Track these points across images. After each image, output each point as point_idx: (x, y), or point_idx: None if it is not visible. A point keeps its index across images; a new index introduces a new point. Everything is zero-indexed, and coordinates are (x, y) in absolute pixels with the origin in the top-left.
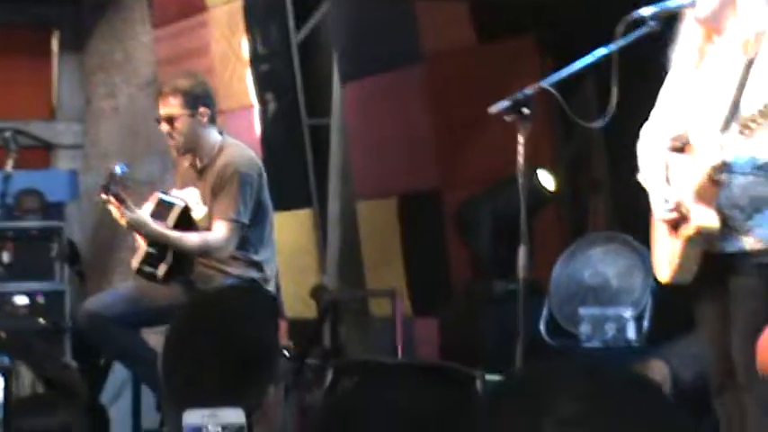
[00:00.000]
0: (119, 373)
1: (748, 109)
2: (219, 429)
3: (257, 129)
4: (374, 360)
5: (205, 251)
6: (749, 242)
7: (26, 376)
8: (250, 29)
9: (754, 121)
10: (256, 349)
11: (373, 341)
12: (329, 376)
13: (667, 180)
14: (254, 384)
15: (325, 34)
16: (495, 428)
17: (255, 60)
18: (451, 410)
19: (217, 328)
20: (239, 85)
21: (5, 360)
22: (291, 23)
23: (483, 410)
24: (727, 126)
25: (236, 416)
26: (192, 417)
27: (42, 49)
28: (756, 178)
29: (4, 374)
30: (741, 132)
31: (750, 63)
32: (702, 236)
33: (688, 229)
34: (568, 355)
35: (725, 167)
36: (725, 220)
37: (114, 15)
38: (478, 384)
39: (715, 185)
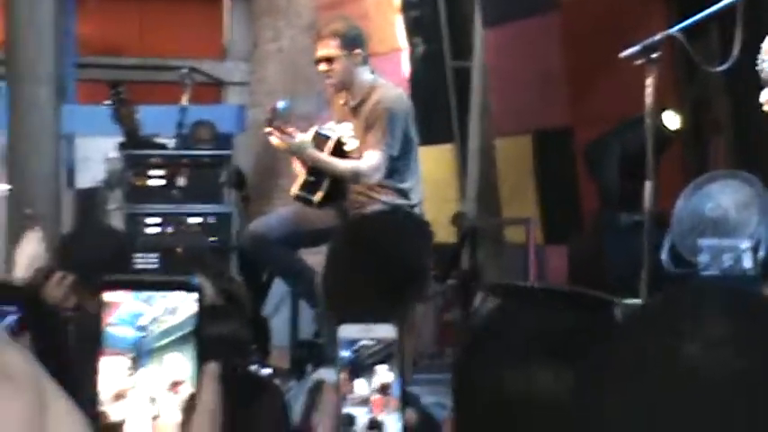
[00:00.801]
0: (278, 288)
1: None
2: (373, 342)
3: (406, 70)
4: (522, 284)
5: (357, 176)
6: None
7: (207, 288)
8: None
9: None
10: (409, 270)
11: (508, 265)
12: (477, 298)
13: None
14: (406, 302)
15: None
16: (637, 352)
17: (406, 7)
18: (595, 334)
19: (373, 249)
20: (390, 30)
21: (195, 279)
22: None
23: (627, 332)
24: None
25: (387, 330)
26: (346, 331)
27: None
28: None
29: (198, 290)
30: None
31: None
32: None
33: None
34: (693, 282)
35: None
36: None
37: None
38: (617, 310)
39: None
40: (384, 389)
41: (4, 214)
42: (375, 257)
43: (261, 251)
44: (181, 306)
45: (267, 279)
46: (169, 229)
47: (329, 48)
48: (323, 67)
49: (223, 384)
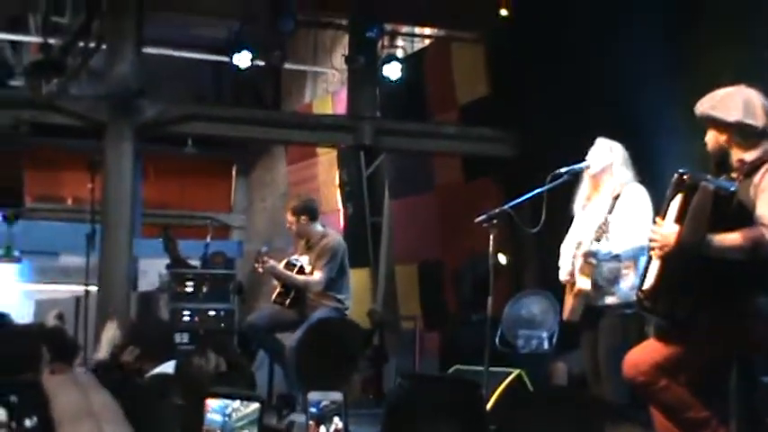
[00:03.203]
0: (261, 355)
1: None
2: (329, 402)
3: (341, 223)
4: (423, 373)
5: (308, 287)
6: (611, 299)
7: (212, 360)
8: (340, 167)
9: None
10: (350, 355)
11: (403, 343)
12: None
13: (573, 264)
14: (348, 374)
15: (381, 172)
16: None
17: (342, 184)
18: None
19: (327, 341)
20: (333, 198)
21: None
22: (363, 164)
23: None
24: (598, 238)
25: (338, 396)
26: (313, 395)
27: (226, 172)
28: (614, 263)
29: (261, 401)
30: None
31: (614, 200)
32: (582, 294)
33: (576, 290)
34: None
35: (593, 254)
36: (597, 287)
37: (266, 156)
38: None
39: (589, 265)
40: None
41: (95, 310)
42: (328, 346)
43: (253, 334)
44: (251, 404)
45: (254, 349)
46: (196, 319)
47: (289, 216)
48: (288, 224)
49: None
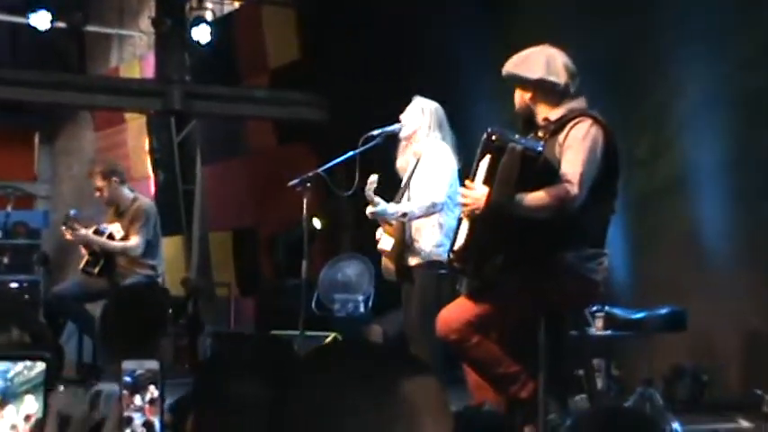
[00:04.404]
0: (69, 327)
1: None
2: (144, 371)
3: (152, 190)
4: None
5: (125, 251)
6: (415, 260)
7: (18, 333)
8: (150, 133)
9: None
10: (156, 320)
11: (217, 311)
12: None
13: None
14: (156, 340)
15: (192, 137)
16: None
17: (152, 150)
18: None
19: (132, 308)
20: (143, 166)
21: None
22: (173, 130)
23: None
24: (398, 199)
25: (153, 364)
26: (128, 364)
27: (29, 140)
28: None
29: (47, 360)
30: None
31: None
32: (386, 253)
33: (380, 250)
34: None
35: (380, 213)
36: (400, 246)
37: (72, 123)
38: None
39: (388, 224)
40: (153, 401)
41: None
42: (132, 314)
43: (60, 305)
44: (35, 366)
45: (63, 322)
46: None
47: (97, 179)
48: (96, 191)
49: None
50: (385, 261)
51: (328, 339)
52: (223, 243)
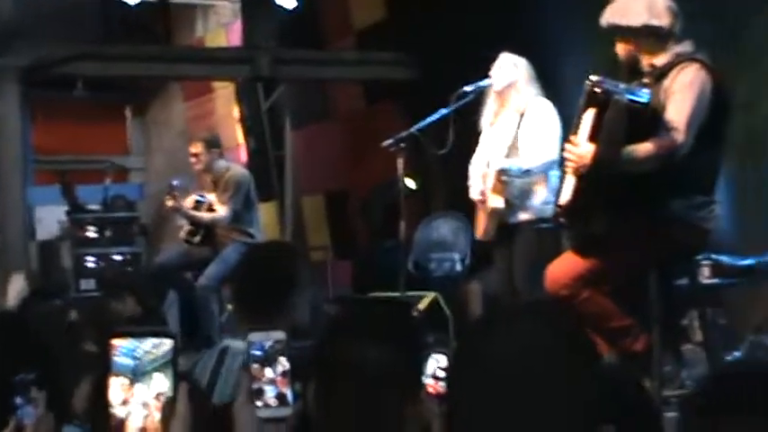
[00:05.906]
0: (170, 296)
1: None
2: (272, 342)
3: (244, 157)
4: (356, 296)
5: (215, 223)
6: (524, 216)
7: (129, 304)
8: (239, 101)
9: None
10: (286, 288)
11: (313, 275)
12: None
13: (483, 183)
14: (288, 313)
15: (281, 103)
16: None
17: (242, 119)
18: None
19: (269, 276)
20: (233, 134)
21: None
22: (262, 97)
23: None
24: (508, 155)
25: (280, 335)
26: (255, 336)
27: (120, 114)
28: (525, 179)
29: (173, 336)
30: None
31: (521, 117)
32: (495, 212)
33: (488, 209)
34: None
35: (504, 171)
36: (510, 204)
37: (161, 95)
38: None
39: (501, 182)
40: (284, 373)
41: None
42: (264, 281)
43: (163, 275)
44: (163, 343)
45: (164, 292)
46: (101, 264)
47: (199, 148)
48: (193, 159)
49: None
50: (485, 220)
51: (428, 300)
52: (316, 207)
